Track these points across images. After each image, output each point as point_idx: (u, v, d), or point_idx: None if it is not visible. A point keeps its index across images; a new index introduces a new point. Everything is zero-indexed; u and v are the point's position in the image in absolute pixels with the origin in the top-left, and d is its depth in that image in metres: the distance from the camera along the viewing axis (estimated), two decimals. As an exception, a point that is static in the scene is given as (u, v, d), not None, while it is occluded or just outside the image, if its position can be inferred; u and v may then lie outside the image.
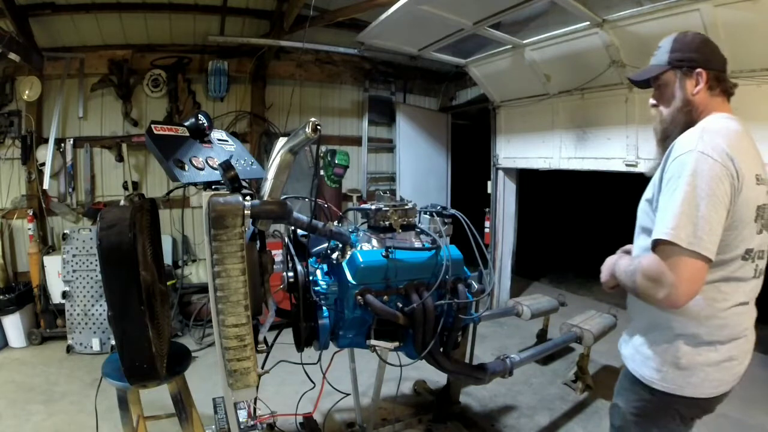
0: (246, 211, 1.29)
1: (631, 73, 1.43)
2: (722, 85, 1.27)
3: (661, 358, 1.23)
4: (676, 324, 1.21)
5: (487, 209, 4.82)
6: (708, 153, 1.09)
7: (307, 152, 4.54)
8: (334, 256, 1.71)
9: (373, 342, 1.65)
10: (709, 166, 1.08)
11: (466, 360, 2.24)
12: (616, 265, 1.31)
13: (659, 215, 1.12)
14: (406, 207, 1.84)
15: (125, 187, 4.20)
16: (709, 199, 1.06)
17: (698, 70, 1.24)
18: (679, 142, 1.16)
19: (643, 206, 1.28)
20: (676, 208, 1.07)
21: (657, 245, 1.10)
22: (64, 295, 3.63)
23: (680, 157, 1.11)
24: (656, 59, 1.34)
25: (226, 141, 1.72)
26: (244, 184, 1.45)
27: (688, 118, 1.27)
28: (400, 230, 1.80)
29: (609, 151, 3.46)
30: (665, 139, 1.31)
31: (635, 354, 1.31)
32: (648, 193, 1.25)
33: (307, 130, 1.27)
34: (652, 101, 1.37)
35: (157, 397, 2.29)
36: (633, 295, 1.27)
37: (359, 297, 1.58)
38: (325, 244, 1.75)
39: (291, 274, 1.61)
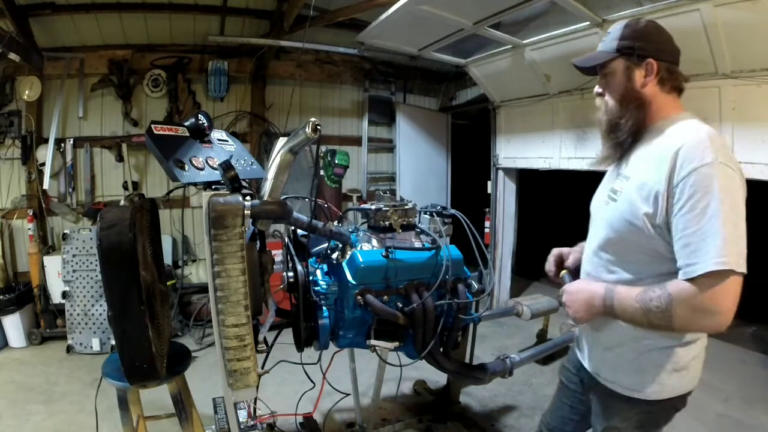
0: (246, 211, 1.29)
1: (577, 60, 1.32)
2: (674, 80, 1.19)
3: (658, 369, 1.20)
4: (670, 336, 1.17)
5: (487, 209, 4.82)
6: (728, 164, 1.02)
7: (307, 152, 4.54)
8: (334, 256, 1.71)
9: (373, 342, 1.65)
10: (731, 178, 1.02)
11: (466, 360, 2.24)
12: (613, 298, 1.15)
13: (693, 239, 1.01)
14: (406, 207, 1.84)
15: (125, 187, 4.20)
16: (740, 215, 1.01)
17: (648, 59, 1.16)
18: (689, 150, 1.04)
19: (628, 218, 1.15)
20: (720, 232, 0.98)
21: (704, 275, 0.99)
22: (64, 295, 3.63)
23: (700, 169, 1.01)
24: (604, 45, 1.25)
25: (226, 141, 1.72)
26: (244, 184, 1.45)
27: (639, 112, 1.20)
28: (400, 230, 1.80)
29: (609, 151, 3.45)
30: (613, 131, 1.24)
31: (623, 376, 1.25)
32: (645, 206, 1.11)
33: (307, 130, 1.27)
34: (597, 90, 1.29)
35: (157, 397, 2.29)
36: (651, 329, 1.12)
37: (359, 297, 1.58)
38: (325, 244, 1.75)
39: (291, 274, 1.60)
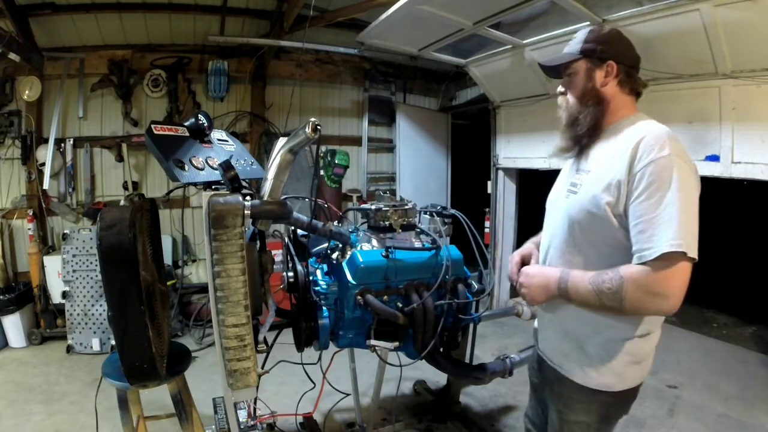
0: (246, 211, 1.29)
1: (543, 59, 1.42)
2: (632, 83, 1.27)
3: (619, 362, 1.23)
4: (633, 326, 1.21)
5: (487, 209, 4.82)
6: (684, 159, 1.09)
7: (307, 152, 4.54)
8: (334, 256, 1.71)
9: (373, 342, 1.65)
10: (687, 172, 1.08)
11: (466, 360, 2.24)
12: (567, 281, 1.18)
13: (649, 225, 1.05)
14: (406, 207, 1.84)
15: (125, 187, 4.20)
16: (694, 207, 1.07)
17: (609, 61, 1.25)
18: (648, 142, 1.10)
19: (589, 207, 1.19)
20: (675, 218, 1.03)
21: (657, 258, 1.03)
22: (64, 295, 3.63)
23: (659, 160, 1.07)
24: (569, 48, 1.33)
25: (226, 141, 1.72)
26: (244, 184, 1.45)
27: (597, 108, 1.27)
28: (400, 230, 1.80)
29: (609, 151, 3.45)
30: (572, 125, 1.33)
31: (588, 369, 1.26)
32: (606, 195, 1.14)
33: (307, 130, 1.27)
34: (560, 89, 1.38)
35: (157, 397, 2.29)
36: (602, 310, 1.16)
37: (359, 297, 1.58)
38: (325, 244, 1.75)
39: (291, 274, 1.61)
